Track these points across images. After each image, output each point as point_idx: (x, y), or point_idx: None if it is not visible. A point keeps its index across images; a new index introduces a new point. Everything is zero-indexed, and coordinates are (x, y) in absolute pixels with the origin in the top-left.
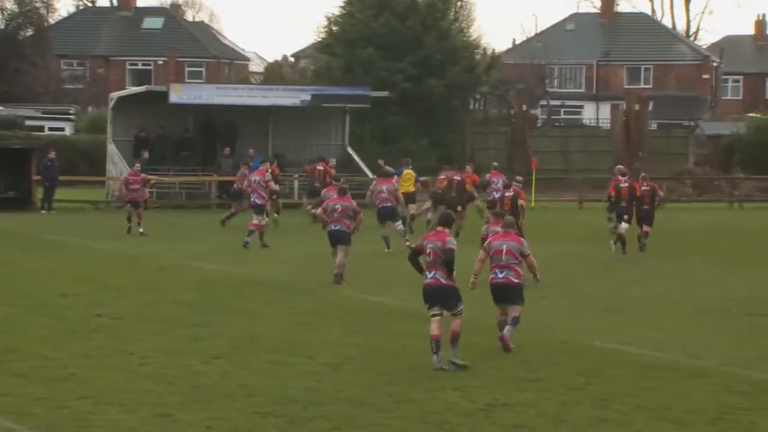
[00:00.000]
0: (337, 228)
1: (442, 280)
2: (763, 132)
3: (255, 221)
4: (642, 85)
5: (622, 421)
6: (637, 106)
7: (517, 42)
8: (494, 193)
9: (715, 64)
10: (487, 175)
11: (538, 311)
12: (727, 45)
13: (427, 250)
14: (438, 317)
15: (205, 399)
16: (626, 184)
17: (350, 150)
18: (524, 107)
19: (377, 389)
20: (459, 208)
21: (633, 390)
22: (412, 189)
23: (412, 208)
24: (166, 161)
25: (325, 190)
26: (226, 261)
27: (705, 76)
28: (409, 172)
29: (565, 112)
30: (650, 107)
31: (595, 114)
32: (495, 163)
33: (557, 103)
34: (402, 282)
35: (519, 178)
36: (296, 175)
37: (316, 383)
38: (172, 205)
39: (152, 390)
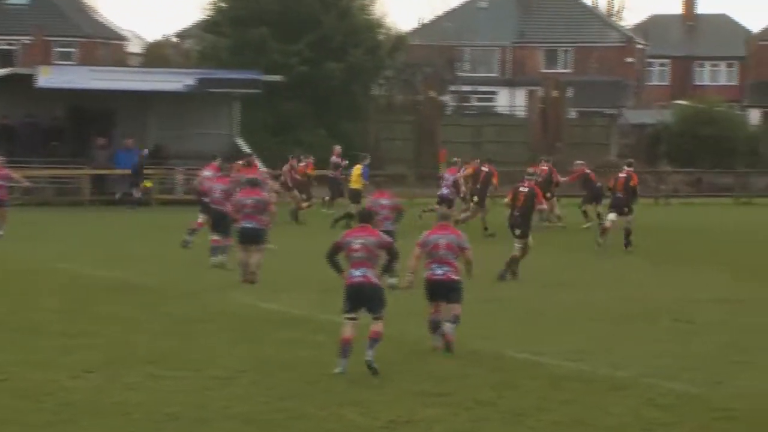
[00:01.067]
0: (250, 225)
1: (374, 279)
2: (691, 121)
3: (200, 220)
4: (560, 69)
5: None
6: (555, 93)
7: (425, 21)
8: (444, 189)
9: (639, 46)
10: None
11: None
12: (653, 25)
13: (356, 246)
14: (354, 321)
15: (74, 418)
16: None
17: (239, 141)
18: (432, 93)
19: (269, 405)
20: (475, 199)
21: (548, 404)
22: (359, 186)
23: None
24: (33, 152)
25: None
26: (99, 263)
27: (629, 60)
28: (357, 168)
29: (477, 99)
30: (569, 93)
31: (510, 101)
32: (456, 159)
33: (468, 88)
34: (294, 286)
35: (530, 170)
36: (180, 169)
37: (201, 399)
38: (37, 202)
39: (15, 407)
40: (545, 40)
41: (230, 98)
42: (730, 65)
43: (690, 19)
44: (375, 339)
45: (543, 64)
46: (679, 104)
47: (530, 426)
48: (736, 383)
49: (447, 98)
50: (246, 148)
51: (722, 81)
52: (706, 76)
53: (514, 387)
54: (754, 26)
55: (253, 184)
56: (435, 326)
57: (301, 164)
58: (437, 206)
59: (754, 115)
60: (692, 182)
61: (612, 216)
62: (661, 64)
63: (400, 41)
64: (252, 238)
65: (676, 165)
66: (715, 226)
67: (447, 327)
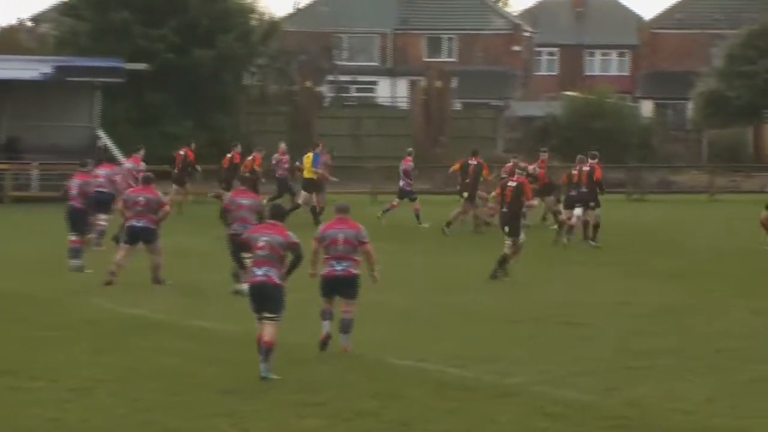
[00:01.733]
0: (140, 224)
1: (276, 279)
2: (581, 113)
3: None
4: (444, 58)
5: None
6: (438, 83)
7: (300, 6)
8: (400, 182)
9: (527, 34)
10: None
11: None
12: (542, 12)
13: (260, 244)
14: (260, 320)
15: None
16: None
17: (101, 133)
18: (308, 83)
19: (130, 417)
20: (465, 195)
21: (433, 414)
22: (311, 175)
23: (312, 199)
24: None
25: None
26: None
27: (516, 48)
28: (308, 156)
29: (357, 89)
30: (454, 84)
31: (391, 91)
32: (409, 149)
33: (347, 78)
34: (161, 290)
35: (522, 165)
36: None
37: (59, 412)
38: None
39: None
40: (428, 28)
41: (90, 87)
42: (621, 54)
43: (579, 6)
44: (268, 349)
45: (426, 53)
46: (569, 95)
47: None
48: (630, 390)
49: (324, 88)
50: (107, 141)
51: (613, 71)
52: (596, 65)
53: (397, 396)
54: (647, 13)
55: (147, 181)
56: (327, 315)
57: (248, 158)
58: (395, 202)
59: (647, 107)
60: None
61: (577, 211)
62: (550, 53)
63: (273, 27)
64: (141, 238)
65: (565, 160)
66: (606, 224)
67: (342, 340)
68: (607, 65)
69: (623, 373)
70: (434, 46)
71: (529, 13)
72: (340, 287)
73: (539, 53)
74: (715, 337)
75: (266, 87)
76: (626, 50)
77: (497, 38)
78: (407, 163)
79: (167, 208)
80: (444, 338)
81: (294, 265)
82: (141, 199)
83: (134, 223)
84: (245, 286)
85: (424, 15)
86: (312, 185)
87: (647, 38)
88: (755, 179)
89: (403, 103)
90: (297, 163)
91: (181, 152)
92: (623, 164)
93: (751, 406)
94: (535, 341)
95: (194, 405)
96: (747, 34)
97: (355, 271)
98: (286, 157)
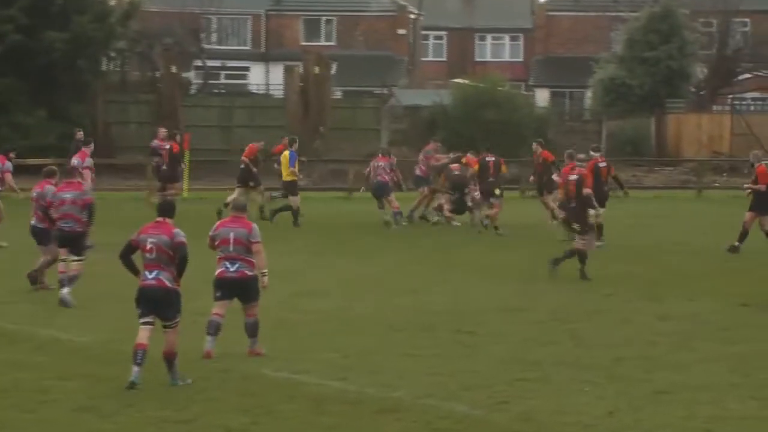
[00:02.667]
0: (68, 225)
1: (167, 283)
2: (471, 102)
3: None
4: (323, 42)
5: None
6: (316, 69)
7: None
8: (377, 178)
9: (413, 16)
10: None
11: (195, 329)
12: None
13: (148, 246)
14: (150, 326)
15: None
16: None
17: None
18: (173, 69)
19: None
20: (497, 192)
21: (311, 430)
22: (291, 177)
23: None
24: None
25: None
26: None
27: (400, 32)
28: (285, 155)
29: (227, 76)
30: (333, 70)
31: (265, 78)
32: (383, 146)
33: (216, 63)
34: (10, 295)
35: (581, 156)
36: None
37: None
38: None
39: None
40: (305, 9)
41: None
42: (514, 38)
43: None
44: (170, 360)
45: (303, 36)
46: (458, 83)
47: None
48: (523, 403)
49: (191, 75)
50: None
51: (506, 57)
52: (488, 50)
53: (271, 412)
54: None
55: (48, 174)
56: (214, 328)
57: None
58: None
59: (542, 96)
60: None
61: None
62: (437, 37)
63: (133, 7)
64: (70, 241)
65: (455, 152)
66: (499, 224)
67: (250, 345)
68: (499, 50)
69: (516, 384)
70: (312, 28)
71: None
72: (235, 290)
73: (426, 37)
74: (615, 344)
75: (127, 73)
76: (519, 34)
77: (380, 20)
78: (387, 161)
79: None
80: (322, 348)
81: (180, 267)
82: (68, 197)
83: (61, 224)
84: (66, 294)
85: None
86: (293, 187)
87: (542, 21)
88: (658, 174)
89: (278, 91)
90: (276, 165)
91: (167, 146)
92: (517, 158)
93: (656, 420)
94: (421, 351)
95: (47, 424)
96: (648, 17)
97: (249, 273)
98: (170, 143)
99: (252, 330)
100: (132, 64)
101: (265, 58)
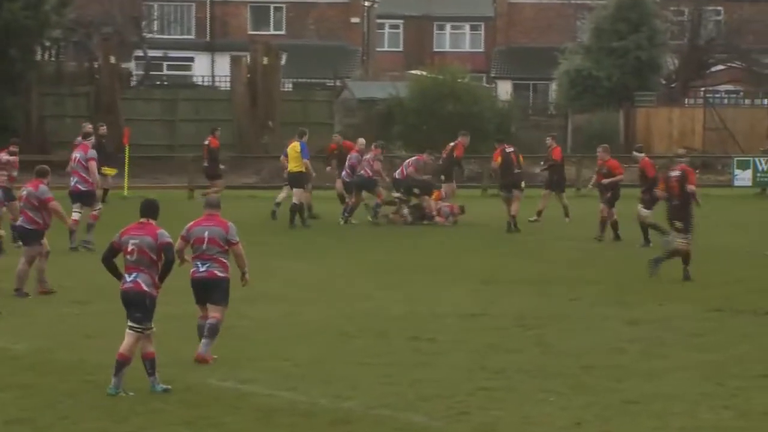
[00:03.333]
0: (19, 224)
1: (144, 286)
2: (430, 95)
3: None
4: (272, 31)
5: None
6: (265, 59)
7: None
8: (361, 171)
9: (367, 4)
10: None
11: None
12: None
13: (130, 248)
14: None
15: None
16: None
17: None
18: (113, 59)
19: None
20: (523, 185)
21: None
22: (300, 168)
23: (304, 196)
24: None
25: None
26: None
27: (354, 20)
28: (295, 145)
29: (170, 67)
30: (283, 61)
31: (210, 69)
32: (361, 140)
33: (158, 53)
34: None
35: (681, 150)
36: None
37: None
38: None
39: None
40: None
41: None
42: (475, 28)
43: None
44: (150, 360)
45: (250, 25)
46: (416, 75)
47: None
48: (484, 414)
49: (131, 66)
50: None
51: (466, 47)
52: (447, 40)
53: (217, 424)
54: None
55: (42, 174)
56: (202, 331)
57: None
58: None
59: (504, 88)
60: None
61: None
62: (394, 26)
63: None
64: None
65: (412, 149)
66: (458, 223)
67: (201, 346)
68: (458, 40)
69: (477, 394)
70: (260, 16)
71: None
72: (203, 290)
73: (381, 26)
74: (582, 352)
75: (63, 64)
76: (480, 23)
77: (333, 8)
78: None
79: (54, 204)
80: (271, 356)
81: (165, 269)
82: (24, 193)
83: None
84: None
85: None
86: (300, 179)
87: (504, 9)
88: (627, 171)
89: (224, 83)
90: (282, 157)
91: (206, 141)
92: (478, 154)
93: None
94: (376, 359)
95: None
96: (616, 5)
97: (220, 274)
98: (209, 139)
99: (210, 332)
100: (68, 54)
101: (211, 48)
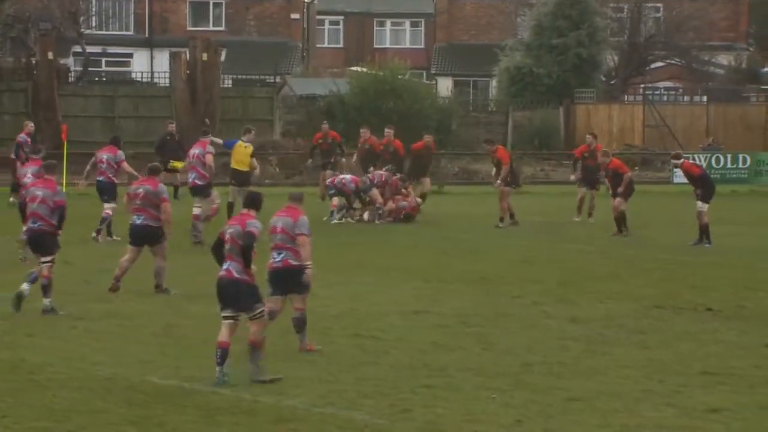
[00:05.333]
0: (36, 225)
1: (235, 273)
2: (370, 92)
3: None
4: (212, 27)
5: None
6: (204, 56)
7: None
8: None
9: (307, 0)
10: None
11: (75, 337)
12: None
13: (226, 237)
14: (230, 321)
15: None
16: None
17: None
18: (50, 55)
19: None
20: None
21: None
22: (245, 168)
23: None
24: None
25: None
26: None
27: (294, 17)
28: (240, 144)
29: (108, 63)
30: (223, 57)
31: (149, 65)
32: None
33: (97, 49)
34: None
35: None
36: None
37: None
38: None
39: None
40: None
41: None
42: (415, 24)
43: None
44: (254, 349)
45: (190, 21)
46: (356, 71)
47: None
48: (427, 411)
49: (69, 62)
50: None
51: (407, 43)
52: (387, 37)
53: (160, 423)
54: None
55: (50, 170)
56: (274, 316)
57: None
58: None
59: (444, 85)
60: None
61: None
62: (334, 23)
63: None
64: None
65: (352, 146)
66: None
67: (299, 340)
68: (399, 37)
69: (420, 392)
70: (199, 12)
71: None
72: (283, 280)
73: (321, 22)
74: (524, 349)
75: (0, 60)
76: (421, 20)
77: (273, 5)
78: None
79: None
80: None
81: (244, 256)
82: (39, 194)
83: (30, 224)
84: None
85: None
86: (244, 178)
87: (444, 6)
88: (567, 168)
89: (163, 80)
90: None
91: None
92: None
93: (567, 429)
94: (318, 357)
95: None
96: (556, 2)
97: (294, 262)
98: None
99: (300, 326)
100: (5, 50)
101: (149, 44)
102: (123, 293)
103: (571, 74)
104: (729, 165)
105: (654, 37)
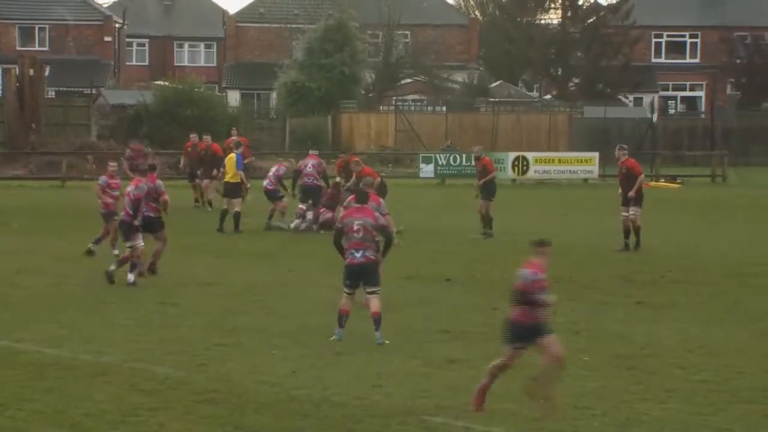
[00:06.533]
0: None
1: (372, 257)
2: (171, 102)
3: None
4: (37, 47)
5: (16, 428)
6: (31, 71)
7: None
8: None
9: (117, 25)
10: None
11: None
12: (131, 5)
13: (355, 227)
14: (352, 295)
15: None
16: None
17: None
18: None
19: None
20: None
21: (29, 393)
22: (235, 179)
23: (235, 204)
24: None
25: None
26: None
27: (107, 39)
28: (232, 156)
29: None
30: (47, 72)
31: None
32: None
33: None
34: None
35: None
36: None
37: None
38: None
39: None
40: (19, 18)
41: None
42: (208, 46)
43: None
44: (377, 318)
45: (18, 42)
46: (159, 85)
47: (10, 416)
48: (219, 365)
49: None
50: None
51: (202, 62)
52: (185, 56)
53: None
54: (232, 7)
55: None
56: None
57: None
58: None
59: (234, 96)
60: (173, 164)
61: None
62: (140, 44)
63: None
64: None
65: (156, 146)
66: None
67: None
68: (195, 56)
69: (214, 349)
70: (26, 35)
71: (119, 5)
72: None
73: (130, 44)
74: (300, 314)
75: None
76: (213, 42)
77: (89, 29)
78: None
79: (166, 196)
80: (40, 320)
81: (387, 247)
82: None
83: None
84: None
85: (15, 5)
86: (235, 190)
87: (232, 31)
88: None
89: None
90: (222, 169)
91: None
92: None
93: (334, 379)
94: (129, 321)
95: None
96: (324, 28)
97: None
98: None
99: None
100: None
101: None
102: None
103: (337, 88)
104: (464, 162)
105: (403, 58)
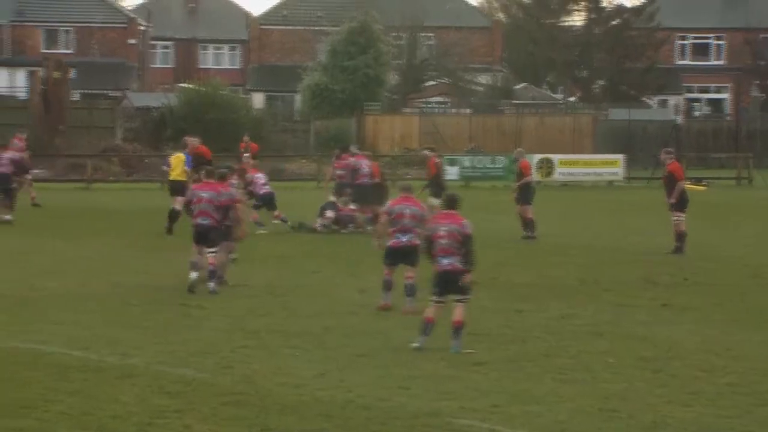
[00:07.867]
0: (205, 222)
1: (459, 266)
2: (195, 104)
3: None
4: (62, 50)
5: (43, 430)
6: (56, 74)
7: None
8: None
9: (142, 28)
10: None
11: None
12: (155, 7)
13: (441, 233)
14: (441, 304)
15: None
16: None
17: None
18: None
19: None
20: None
21: (53, 395)
22: (182, 177)
23: (177, 202)
24: None
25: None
26: None
27: (131, 41)
28: (180, 155)
29: None
30: (72, 75)
31: (10, 82)
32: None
33: None
34: None
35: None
36: None
37: None
38: None
39: None
40: (45, 20)
41: None
42: (232, 48)
43: (191, 1)
44: (458, 328)
45: (43, 44)
46: (184, 87)
47: (37, 418)
48: (243, 367)
49: None
50: None
51: (226, 64)
52: (210, 58)
53: (16, 380)
54: (255, 10)
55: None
56: (388, 286)
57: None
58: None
59: (258, 99)
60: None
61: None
62: (165, 47)
63: None
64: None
65: (177, 147)
66: None
67: (406, 302)
68: (219, 58)
69: (238, 351)
70: (51, 37)
71: (143, 8)
72: (402, 256)
73: (154, 46)
74: (321, 315)
75: None
76: (237, 44)
77: (113, 31)
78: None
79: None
80: (65, 322)
81: (468, 255)
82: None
83: (199, 220)
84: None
85: (40, 8)
86: (180, 189)
87: (256, 33)
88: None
89: (22, 94)
90: (164, 167)
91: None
92: (234, 153)
93: (356, 379)
94: (154, 323)
95: None
96: (348, 31)
97: (417, 242)
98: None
99: (410, 291)
100: None
101: (10, 64)
102: None
103: (361, 90)
104: (488, 165)
105: (427, 61)
